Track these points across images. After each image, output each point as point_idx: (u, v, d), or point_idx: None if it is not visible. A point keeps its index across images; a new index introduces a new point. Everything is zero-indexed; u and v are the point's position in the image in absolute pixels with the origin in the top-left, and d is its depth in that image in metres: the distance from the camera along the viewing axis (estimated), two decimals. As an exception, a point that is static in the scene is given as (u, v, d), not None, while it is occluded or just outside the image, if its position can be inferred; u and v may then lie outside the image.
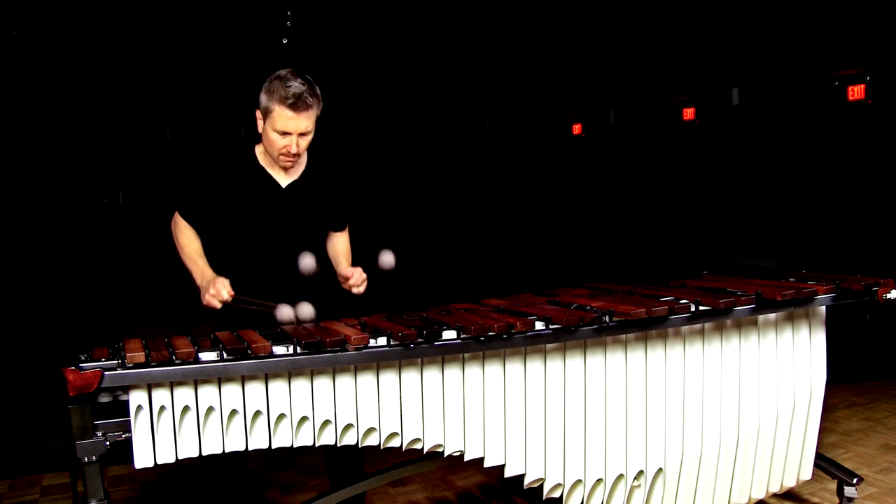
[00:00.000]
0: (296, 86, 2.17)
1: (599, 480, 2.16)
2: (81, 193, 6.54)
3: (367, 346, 1.84)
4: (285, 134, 2.21)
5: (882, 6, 4.67)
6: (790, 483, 2.49)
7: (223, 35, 6.33)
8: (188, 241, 2.34)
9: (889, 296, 2.40)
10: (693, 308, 2.14)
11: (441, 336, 1.91)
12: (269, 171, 2.35)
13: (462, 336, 1.92)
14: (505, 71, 7.34)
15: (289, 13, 6.20)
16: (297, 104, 2.16)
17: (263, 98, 2.21)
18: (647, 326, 2.09)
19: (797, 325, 2.41)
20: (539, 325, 2.00)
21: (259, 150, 2.36)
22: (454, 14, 6.55)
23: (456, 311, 2.18)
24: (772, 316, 2.35)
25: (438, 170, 7.86)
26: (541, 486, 2.11)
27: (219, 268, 2.29)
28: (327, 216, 2.48)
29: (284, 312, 2.13)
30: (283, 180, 2.36)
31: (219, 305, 2.17)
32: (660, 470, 2.22)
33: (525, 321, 1.96)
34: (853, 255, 5.06)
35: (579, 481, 2.13)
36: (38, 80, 6.05)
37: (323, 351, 1.79)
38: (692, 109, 6.15)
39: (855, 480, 2.61)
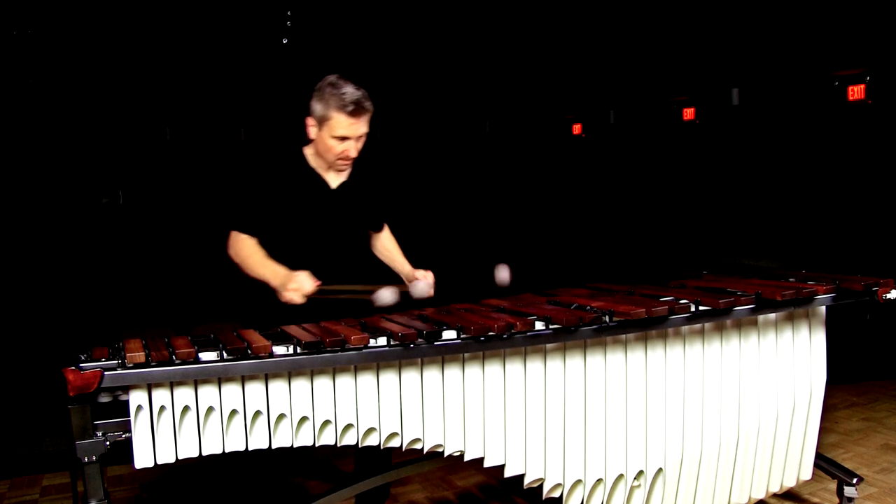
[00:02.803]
0: (351, 91, 2.21)
1: (599, 480, 2.16)
2: (81, 193, 6.54)
3: (367, 346, 1.83)
4: (344, 139, 2.24)
5: (882, 6, 4.67)
6: (790, 483, 2.49)
7: (223, 35, 6.34)
8: (251, 251, 2.29)
9: (889, 296, 2.40)
10: (693, 308, 2.14)
11: (441, 336, 1.91)
12: (319, 172, 2.37)
13: (462, 336, 1.92)
14: (505, 71, 7.34)
15: (289, 13, 6.20)
16: (356, 110, 2.21)
17: (318, 107, 2.23)
18: (647, 326, 2.09)
19: (797, 325, 2.41)
20: (539, 325, 2.00)
21: (308, 151, 2.37)
22: (454, 14, 6.55)
23: (456, 311, 2.18)
24: (772, 316, 2.34)
25: (438, 170, 7.86)
26: (541, 486, 2.11)
27: None
28: (370, 216, 2.54)
29: (385, 296, 2.04)
30: (333, 181, 2.39)
31: (301, 300, 2.14)
32: (660, 470, 2.22)
33: (525, 321, 1.96)
34: (853, 255, 5.06)
35: (579, 481, 2.13)
36: (38, 80, 6.05)
37: (323, 351, 1.79)
38: (692, 109, 6.15)
39: (855, 480, 2.61)
